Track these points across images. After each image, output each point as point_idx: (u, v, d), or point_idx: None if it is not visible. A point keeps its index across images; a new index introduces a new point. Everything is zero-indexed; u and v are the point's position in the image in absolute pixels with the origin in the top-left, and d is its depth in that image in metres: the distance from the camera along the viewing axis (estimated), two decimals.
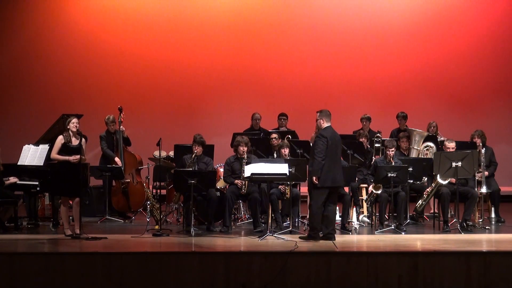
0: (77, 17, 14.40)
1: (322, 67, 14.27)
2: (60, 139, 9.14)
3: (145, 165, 11.37)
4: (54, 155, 9.14)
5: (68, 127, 9.19)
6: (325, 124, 8.76)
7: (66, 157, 9.05)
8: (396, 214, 9.87)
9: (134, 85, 14.26)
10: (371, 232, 9.63)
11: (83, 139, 9.20)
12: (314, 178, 8.53)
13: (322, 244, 8.49)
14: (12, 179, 9.83)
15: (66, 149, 9.10)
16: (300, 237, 8.79)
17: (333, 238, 8.63)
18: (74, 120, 9.21)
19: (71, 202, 9.18)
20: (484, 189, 10.32)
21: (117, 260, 7.76)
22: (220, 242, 8.79)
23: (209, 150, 10.35)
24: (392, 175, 9.39)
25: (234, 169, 9.89)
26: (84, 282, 7.65)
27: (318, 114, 8.83)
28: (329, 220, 8.71)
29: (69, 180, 8.99)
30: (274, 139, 10.61)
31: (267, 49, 14.35)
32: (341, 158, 9.99)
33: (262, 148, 10.60)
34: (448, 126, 12.80)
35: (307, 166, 8.93)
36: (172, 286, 7.67)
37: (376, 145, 11.02)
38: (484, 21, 14.29)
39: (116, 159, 11.04)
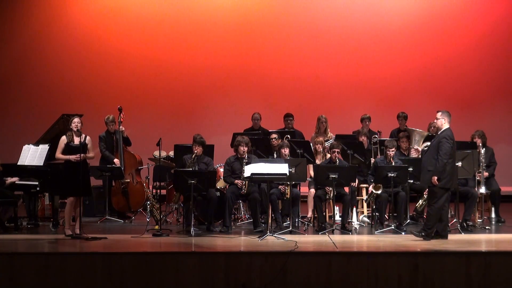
0: (77, 17, 14.39)
1: (322, 67, 14.25)
2: (63, 139, 9.24)
3: (145, 165, 11.37)
4: (58, 155, 9.23)
5: (70, 126, 9.25)
6: (446, 125, 8.80)
7: (68, 156, 9.11)
8: (396, 214, 9.87)
9: (134, 85, 14.24)
10: (371, 232, 9.63)
11: (88, 137, 9.24)
12: (435, 178, 8.60)
13: (322, 244, 8.49)
14: (12, 179, 9.84)
15: (68, 148, 9.18)
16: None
17: (446, 236, 8.80)
18: (76, 119, 9.27)
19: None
20: (483, 189, 10.31)
21: (117, 260, 7.76)
22: (220, 242, 8.78)
23: (209, 150, 10.35)
24: (392, 175, 9.38)
25: (234, 169, 9.88)
26: (84, 282, 7.66)
27: (439, 113, 8.84)
28: (445, 218, 8.89)
29: (71, 179, 9.00)
30: (274, 139, 10.61)
31: (267, 49, 14.33)
32: (341, 158, 10.02)
33: (262, 148, 10.59)
34: None
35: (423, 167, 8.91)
36: (172, 286, 7.66)
37: (374, 146, 11.00)
38: (484, 21, 14.27)
39: (115, 160, 11.02)
